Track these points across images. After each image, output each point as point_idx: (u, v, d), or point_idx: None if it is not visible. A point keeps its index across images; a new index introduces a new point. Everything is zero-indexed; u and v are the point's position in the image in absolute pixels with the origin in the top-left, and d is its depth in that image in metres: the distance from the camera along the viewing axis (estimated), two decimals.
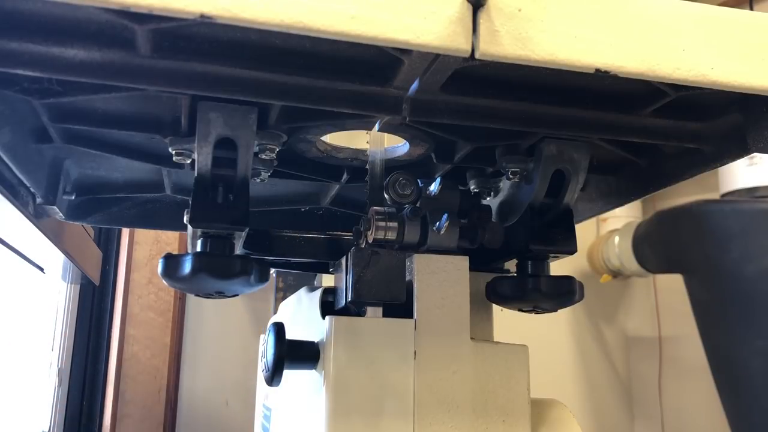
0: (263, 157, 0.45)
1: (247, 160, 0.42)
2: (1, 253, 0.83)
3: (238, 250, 0.53)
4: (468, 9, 0.30)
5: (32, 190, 0.48)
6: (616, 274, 1.93)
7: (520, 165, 0.48)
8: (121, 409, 1.23)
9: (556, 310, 0.54)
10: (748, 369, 1.26)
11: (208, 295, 0.49)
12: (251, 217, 0.45)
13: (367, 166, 0.54)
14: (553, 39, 0.31)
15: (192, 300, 1.38)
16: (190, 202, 0.44)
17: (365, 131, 0.53)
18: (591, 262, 2.00)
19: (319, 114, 0.43)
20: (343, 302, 0.50)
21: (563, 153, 0.46)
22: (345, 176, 0.56)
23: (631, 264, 1.77)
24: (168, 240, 1.31)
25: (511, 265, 0.60)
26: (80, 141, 0.47)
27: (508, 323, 0.66)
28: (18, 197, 0.48)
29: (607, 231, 1.96)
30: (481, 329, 0.57)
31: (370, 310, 0.50)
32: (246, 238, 0.55)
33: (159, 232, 1.30)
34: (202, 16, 0.27)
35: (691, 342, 1.47)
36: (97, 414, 1.25)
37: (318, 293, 0.56)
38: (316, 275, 0.71)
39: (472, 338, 0.51)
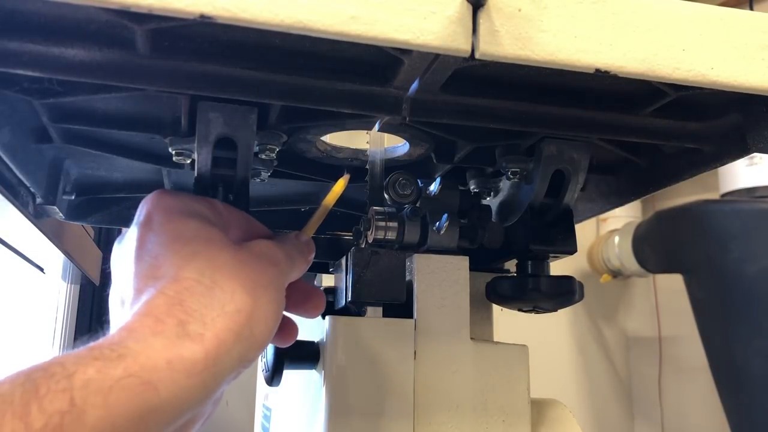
0: (263, 157, 0.45)
1: (247, 160, 0.42)
2: (1, 253, 0.83)
3: None
4: (468, 9, 0.30)
5: (32, 190, 0.48)
6: (616, 274, 1.93)
7: (520, 165, 0.48)
8: None
9: (556, 310, 0.54)
10: (748, 369, 1.27)
11: None
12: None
13: (367, 166, 0.55)
14: (553, 39, 0.32)
15: None
16: None
17: (365, 131, 0.53)
18: (591, 262, 2.00)
19: (319, 114, 0.43)
20: (343, 302, 0.50)
21: (563, 153, 0.46)
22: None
23: (631, 264, 1.77)
24: None
25: (511, 265, 0.60)
26: (80, 141, 0.46)
27: (508, 323, 0.66)
28: (18, 197, 0.48)
29: (607, 231, 1.96)
30: (481, 329, 0.57)
31: (370, 310, 0.50)
32: None
33: None
34: (202, 16, 0.27)
35: (691, 342, 1.47)
36: None
37: None
38: (316, 275, 0.70)
39: (472, 338, 0.51)
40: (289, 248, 0.40)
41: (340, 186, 0.47)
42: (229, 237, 0.38)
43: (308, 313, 0.45)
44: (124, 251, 0.37)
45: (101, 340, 0.30)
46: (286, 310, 0.44)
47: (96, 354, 0.28)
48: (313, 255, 0.43)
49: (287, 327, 0.44)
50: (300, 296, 0.43)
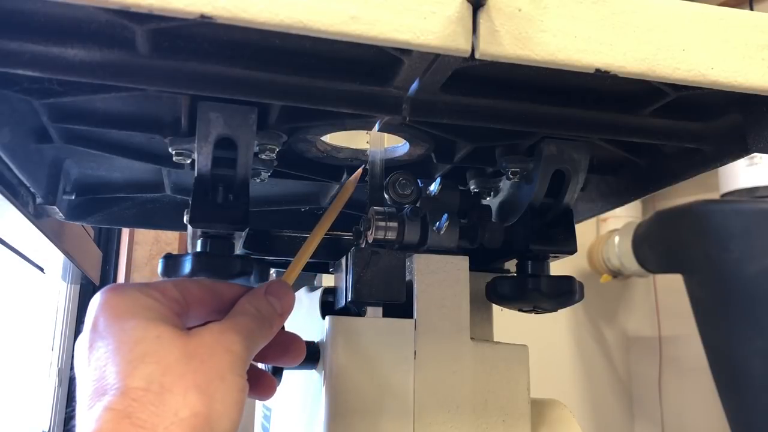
0: (263, 157, 0.45)
1: (247, 160, 0.42)
2: (1, 253, 0.83)
3: (238, 250, 0.53)
4: (468, 9, 0.30)
5: (32, 190, 0.48)
6: (616, 274, 1.93)
7: (520, 165, 0.48)
8: None
9: (556, 310, 0.54)
10: (748, 369, 1.27)
11: None
12: (251, 217, 0.45)
13: (367, 166, 0.55)
14: (553, 39, 0.32)
15: None
16: (190, 202, 0.44)
17: (365, 131, 0.53)
18: (591, 262, 2.00)
19: (319, 114, 0.43)
20: (343, 302, 0.50)
21: (563, 153, 0.46)
22: (345, 176, 0.56)
23: (631, 264, 1.77)
24: (168, 240, 1.31)
25: (511, 265, 0.60)
26: (80, 141, 0.47)
27: (508, 323, 0.66)
28: (18, 197, 0.48)
29: (607, 231, 1.96)
30: (481, 329, 0.57)
31: (370, 310, 0.50)
32: (246, 238, 0.55)
33: (159, 232, 1.30)
34: (202, 16, 0.27)
35: (691, 342, 1.47)
36: None
37: (318, 293, 0.56)
38: (316, 275, 0.71)
39: (472, 338, 0.51)
40: (248, 321, 0.38)
41: (347, 189, 0.47)
42: (191, 319, 0.37)
43: (289, 363, 0.44)
44: (79, 355, 0.35)
45: None
46: (264, 362, 0.43)
47: None
48: (288, 306, 0.41)
49: (293, 344, 0.43)
50: (278, 348, 0.42)
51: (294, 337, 0.44)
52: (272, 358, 0.43)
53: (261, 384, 0.43)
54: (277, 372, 0.50)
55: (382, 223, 0.50)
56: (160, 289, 0.37)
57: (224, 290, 0.40)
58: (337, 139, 0.54)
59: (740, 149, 0.42)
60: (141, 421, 0.30)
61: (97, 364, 0.33)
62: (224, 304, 0.39)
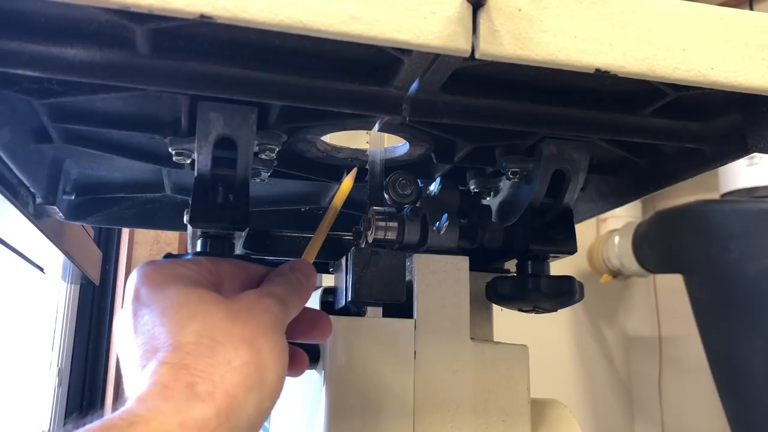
0: (263, 157, 0.45)
1: (247, 160, 0.42)
2: (1, 253, 0.83)
3: (238, 250, 0.53)
4: (468, 9, 0.30)
5: (32, 190, 0.48)
6: (616, 274, 1.93)
7: (520, 165, 0.48)
8: None
9: (556, 310, 0.54)
10: (748, 369, 1.27)
11: None
12: (251, 217, 0.45)
13: (367, 166, 0.54)
14: (553, 39, 0.32)
15: None
16: (190, 202, 0.44)
17: (365, 131, 0.53)
18: (591, 262, 2.00)
19: (319, 114, 0.43)
20: (343, 302, 0.50)
21: (563, 153, 0.46)
22: (345, 176, 0.56)
23: (631, 264, 1.77)
24: (168, 240, 1.31)
25: (511, 265, 0.60)
26: (80, 141, 0.46)
27: (508, 323, 0.66)
28: (18, 197, 0.48)
29: (607, 231, 1.96)
30: (481, 329, 0.57)
31: (370, 310, 0.50)
32: (246, 238, 0.55)
33: (159, 232, 1.30)
34: (202, 16, 0.27)
35: (691, 342, 1.47)
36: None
37: (318, 293, 0.56)
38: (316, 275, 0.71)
39: (472, 338, 0.51)
40: (280, 289, 0.40)
41: (346, 185, 0.47)
42: (224, 291, 0.39)
43: (316, 339, 0.46)
44: (123, 328, 0.37)
45: (113, 413, 0.30)
46: (294, 339, 0.44)
47: (107, 425, 0.29)
48: (312, 282, 0.43)
49: (320, 320, 0.45)
50: (305, 325, 0.44)
51: (319, 313, 0.45)
52: (301, 334, 0.44)
53: (293, 359, 0.44)
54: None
55: (382, 223, 0.50)
56: (195, 262, 0.39)
57: (252, 269, 0.42)
58: (337, 139, 0.54)
59: (740, 149, 0.42)
60: (197, 371, 0.32)
61: (144, 329, 0.35)
62: (252, 282, 0.41)
